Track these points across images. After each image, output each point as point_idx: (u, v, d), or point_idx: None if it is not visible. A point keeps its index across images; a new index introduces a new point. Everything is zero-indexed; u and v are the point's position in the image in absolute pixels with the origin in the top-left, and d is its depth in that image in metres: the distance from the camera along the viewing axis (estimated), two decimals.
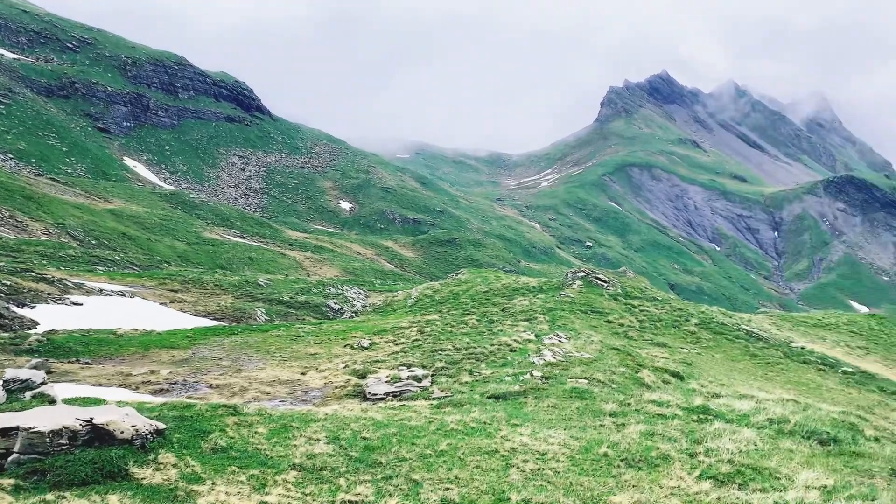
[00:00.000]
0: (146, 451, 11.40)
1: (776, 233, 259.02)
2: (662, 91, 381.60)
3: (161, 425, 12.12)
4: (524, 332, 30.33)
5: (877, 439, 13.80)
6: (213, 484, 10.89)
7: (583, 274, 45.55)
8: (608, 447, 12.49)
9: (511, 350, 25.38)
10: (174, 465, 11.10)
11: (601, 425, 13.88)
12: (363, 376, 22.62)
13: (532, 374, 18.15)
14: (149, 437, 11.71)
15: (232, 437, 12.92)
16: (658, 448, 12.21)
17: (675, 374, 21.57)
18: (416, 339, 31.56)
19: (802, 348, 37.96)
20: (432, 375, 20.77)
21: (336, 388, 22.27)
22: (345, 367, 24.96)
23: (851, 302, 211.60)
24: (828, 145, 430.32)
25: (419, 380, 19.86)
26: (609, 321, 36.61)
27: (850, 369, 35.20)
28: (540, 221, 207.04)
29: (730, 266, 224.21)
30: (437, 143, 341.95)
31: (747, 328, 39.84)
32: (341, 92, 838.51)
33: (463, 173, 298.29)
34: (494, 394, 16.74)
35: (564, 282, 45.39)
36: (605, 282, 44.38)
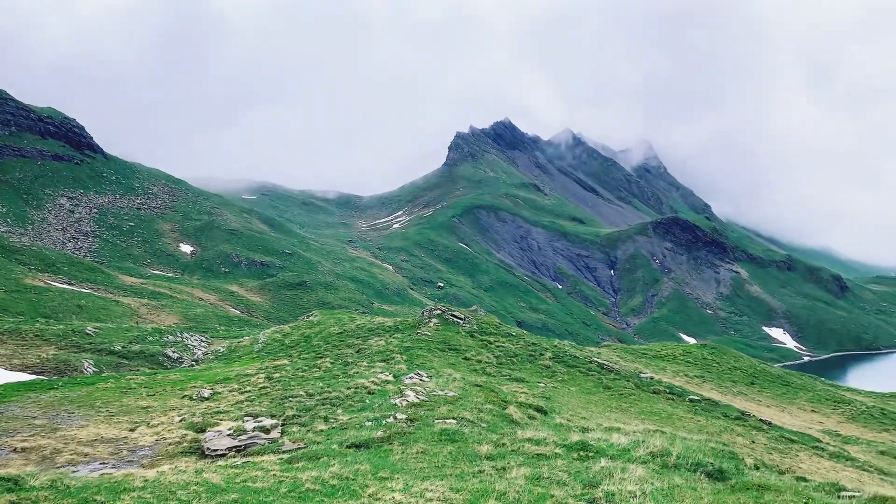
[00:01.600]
0: None
1: (612, 271, 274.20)
2: (505, 137, 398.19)
3: None
4: (382, 372, 28.70)
5: (757, 467, 13.40)
6: None
7: (439, 312, 44.72)
8: (496, 499, 10.79)
9: (369, 392, 23.63)
10: None
11: (480, 471, 12.29)
12: (202, 430, 19.98)
13: (396, 418, 16.32)
14: None
15: None
16: (552, 496, 10.73)
17: (539, 409, 20.78)
18: (264, 387, 29.02)
19: (651, 378, 38.95)
20: (282, 425, 18.55)
21: (170, 444, 19.51)
22: (181, 421, 22.12)
23: (681, 334, 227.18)
24: (655, 189, 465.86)
25: (267, 431, 17.59)
26: (467, 358, 35.79)
27: (696, 397, 36.43)
28: (392, 263, 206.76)
29: (571, 303, 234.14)
30: (284, 184, 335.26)
31: (599, 361, 40.45)
32: (182, 131, 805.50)
33: (313, 215, 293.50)
34: (355, 442, 14.77)
35: (421, 320, 44.31)
36: (461, 319, 43.76)
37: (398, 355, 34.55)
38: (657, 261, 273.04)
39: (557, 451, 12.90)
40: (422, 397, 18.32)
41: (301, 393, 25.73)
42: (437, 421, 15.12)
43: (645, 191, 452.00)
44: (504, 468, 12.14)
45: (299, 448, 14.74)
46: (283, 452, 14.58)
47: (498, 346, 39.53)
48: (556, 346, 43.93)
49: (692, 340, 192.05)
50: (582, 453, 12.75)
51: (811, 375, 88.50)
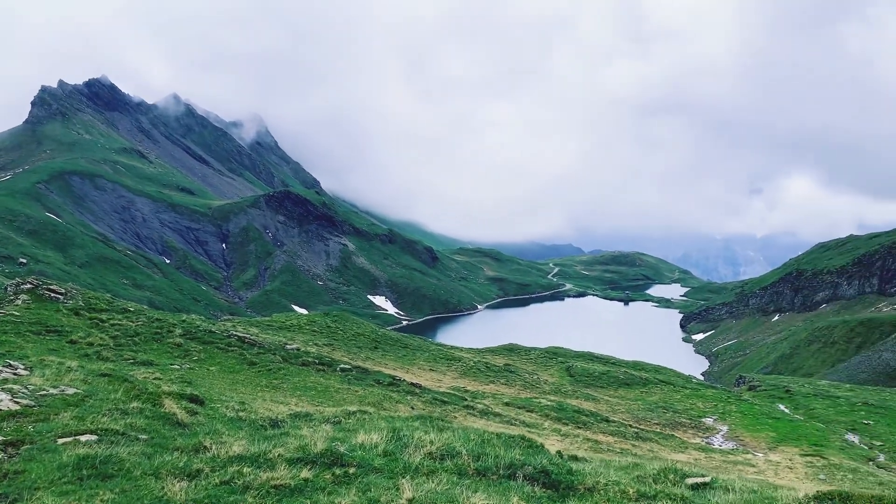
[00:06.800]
0: None
1: (224, 244, 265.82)
2: (103, 97, 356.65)
3: None
4: None
5: (561, 455, 10.53)
6: None
7: (30, 286, 35.25)
8: None
9: None
10: None
11: None
12: None
13: None
14: None
15: None
16: None
17: (195, 399, 15.93)
18: None
19: (298, 350, 35.76)
20: None
21: None
22: None
23: (294, 306, 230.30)
24: (267, 163, 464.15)
25: None
26: (73, 341, 28.26)
27: (346, 366, 34.30)
28: None
29: (181, 278, 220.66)
30: None
31: (238, 334, 35.88)
32: None
33: None
34: None
35: (4, 297, 34.44)
36: (62, 294, 35.12)
37: None
38: (270, 234, 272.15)
39: (305, 474, 8.14)
40: (25, 401, 11.68)
41: None
42: (61, 441, 9.09)
43: (257, 164, 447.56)
44: None
45: None
46: None
47: (114, 325, 32.33)
48: (184, 321, 37.95)
49: (304, 311, 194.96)
50: (339, 471, 8.28)
51: (422, 337, 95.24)
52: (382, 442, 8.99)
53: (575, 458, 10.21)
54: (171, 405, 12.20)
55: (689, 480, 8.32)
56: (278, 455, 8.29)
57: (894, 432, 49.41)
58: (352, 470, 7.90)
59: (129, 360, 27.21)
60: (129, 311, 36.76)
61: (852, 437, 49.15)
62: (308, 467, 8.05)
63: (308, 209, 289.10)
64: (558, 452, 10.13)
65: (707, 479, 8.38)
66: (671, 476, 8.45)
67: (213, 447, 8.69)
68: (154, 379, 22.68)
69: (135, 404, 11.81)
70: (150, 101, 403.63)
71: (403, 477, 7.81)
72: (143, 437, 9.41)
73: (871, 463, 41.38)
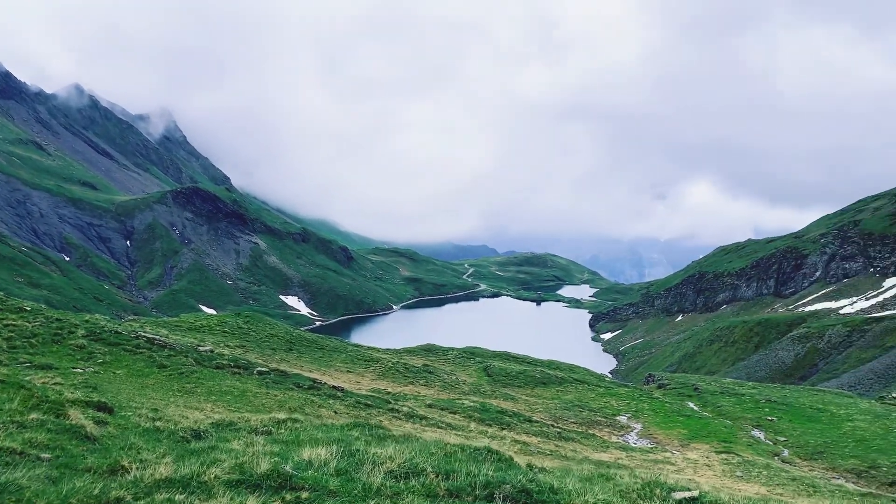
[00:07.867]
0: None
1: (128, 242, 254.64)
2: None
3: None
4: None
5: (531, 467, 9.60)
6: None
7: None
8: None
9: None
10: None
11: None
12: None
13: None
14: None
15: None
16: None
17: (103, 407, 14.55)
18: None
19: (212, 352, 33.95)
20: None
21: None
22: None
23: (201, 306, 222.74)
24: (175, 158, 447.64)
25: None
26: None
27: (264, 369, 32.77)
28: None
29: (81, 277, 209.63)
30: None
31: (147, 335, 33.77)
32: None
33: None
34: None
35: None
36: None
37: None
38: (177, 231, 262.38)
39: (252, 502, 6.83)
40: None
41: None
42: None
43: (164, 159, 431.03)
44: None
45: None
46: None
47: (7, 326, 29.76)
48: (87, 321, 35.42)
49: (212, 311, 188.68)
50: (289, 496, 7.01)
51: (338, 338, 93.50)
52: (333, 458, 7.84)
53: (543, 470, 9.53)
54: (76, 415, 10.90)
55: (676, 495, 7.81)
56: (214, 477, 7.03)
57: (796, 428, 51.71)
58: (304, 495, 6.71)
59: (25, 363, 25.03)
60: (26, 310, 34.06)
61: (758, 434, 51.14)
62: (253, 493, 6.79)
63: (218, 206, 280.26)
64: (529, 466, 9.43)
65: (694, 494, 7.88)
66: (657, 491, 7.86)
67: (134, 468, 7.33)
68: (55, 384, 20.85)
69: (34, 415, 10.46)
70: (49, 91, 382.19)
71: (365, 502, 6.89)
72: (47, 455, 8.09)
73: (776, 458, 43.05)
